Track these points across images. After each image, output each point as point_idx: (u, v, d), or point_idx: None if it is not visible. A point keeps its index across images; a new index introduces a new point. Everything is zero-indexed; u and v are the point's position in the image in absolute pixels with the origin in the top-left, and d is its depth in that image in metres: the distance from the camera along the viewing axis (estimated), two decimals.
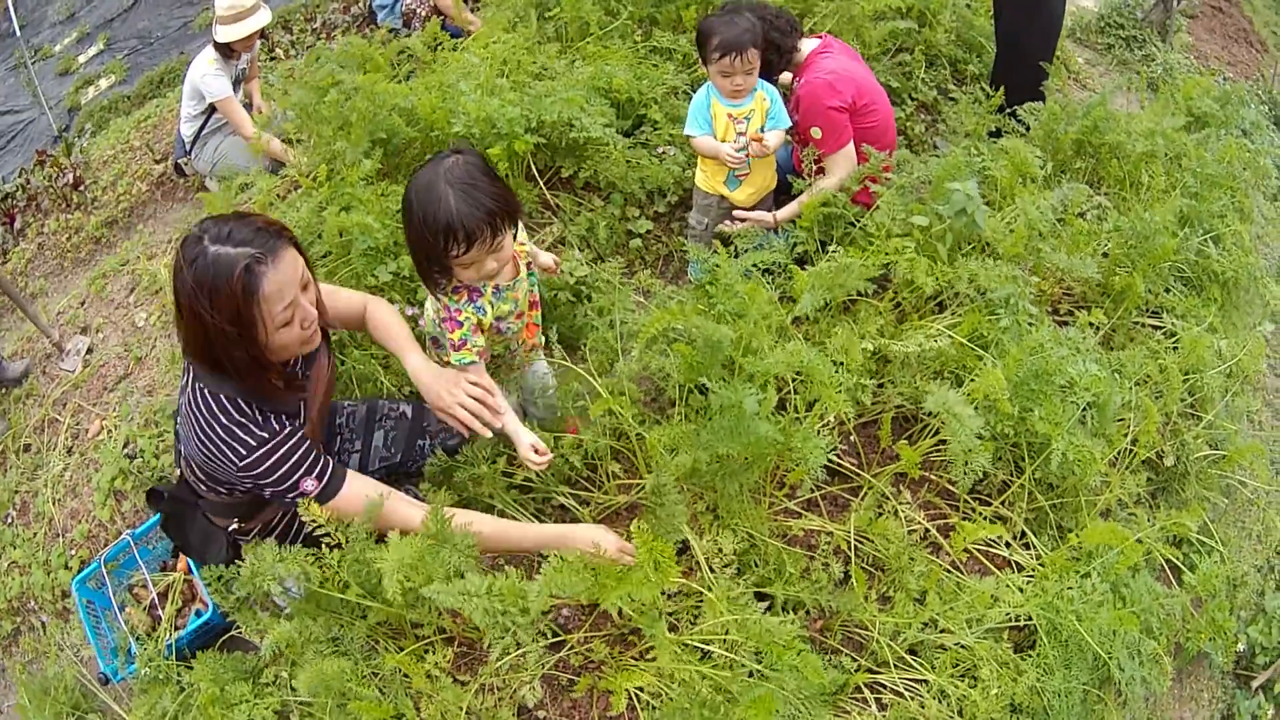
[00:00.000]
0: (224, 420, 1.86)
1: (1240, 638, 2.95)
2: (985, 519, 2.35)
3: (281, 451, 1.89)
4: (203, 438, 1.88)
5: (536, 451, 2.18)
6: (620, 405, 2.18)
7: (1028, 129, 3.63)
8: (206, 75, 4.38)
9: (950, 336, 2.42)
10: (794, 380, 2.32)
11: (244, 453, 1.86)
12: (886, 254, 2.54)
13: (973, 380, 2.31)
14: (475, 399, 2.15)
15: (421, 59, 4.26)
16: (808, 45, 3.20)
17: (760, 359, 2.16)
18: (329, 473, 1.94)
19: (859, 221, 2.92)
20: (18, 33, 8.88)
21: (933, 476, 2.50)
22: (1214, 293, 3.29)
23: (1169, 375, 2.74)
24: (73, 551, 3.39)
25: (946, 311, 2.67)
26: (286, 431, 1.90)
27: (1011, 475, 2.53)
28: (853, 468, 2.46)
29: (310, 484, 1.90)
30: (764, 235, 2.77)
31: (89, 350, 4.09)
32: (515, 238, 2.23)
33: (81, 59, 8.30)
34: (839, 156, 3.11)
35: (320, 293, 1.99)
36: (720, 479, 2.20)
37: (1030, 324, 2.56)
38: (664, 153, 3.79)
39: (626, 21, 4.31)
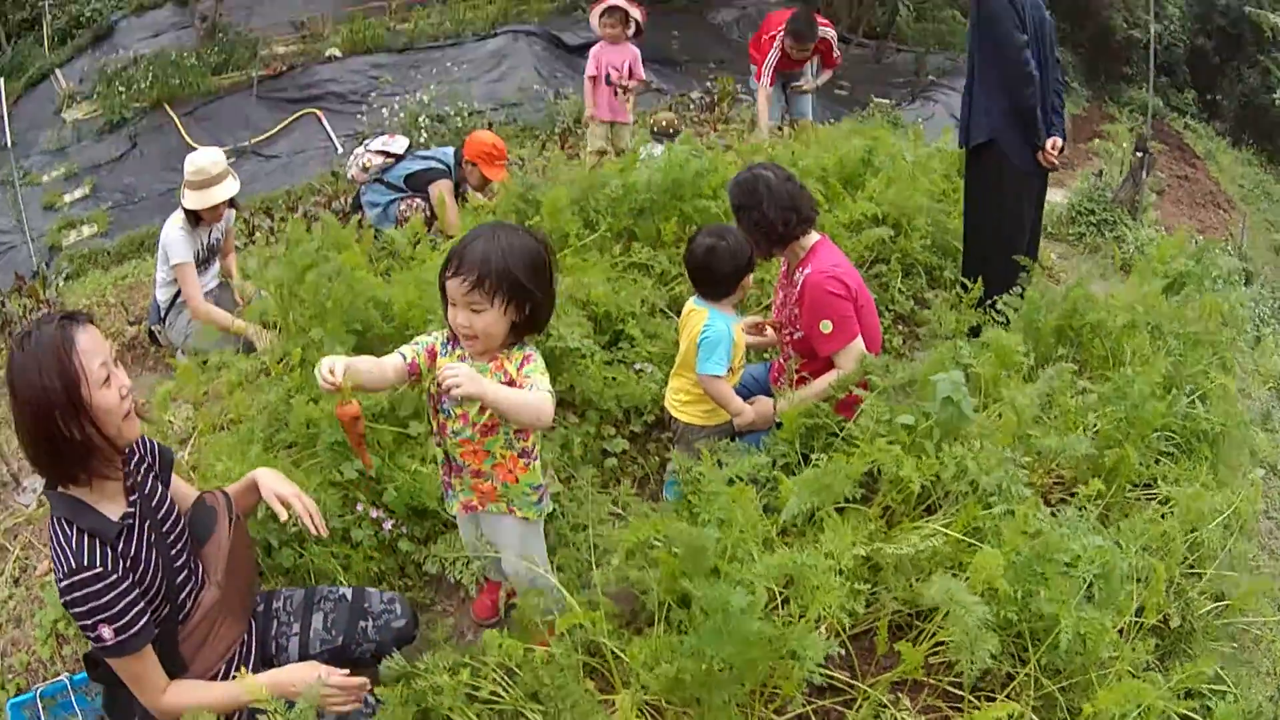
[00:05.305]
0: (59, 540, 1.89)
1: None
2: None
3: (95, 588, 1.87)
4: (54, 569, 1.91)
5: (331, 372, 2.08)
6: (594, 619, 2.04)
7: (1008, 322, 3.59)
8: (172, 236, 4.31)
9: (945, 534, 2.32)
10: (781, 590, 2.20)
11: (61, 574, 1.87)
12: (873, 456, 2.46)
13: (970, 570, 2.20)
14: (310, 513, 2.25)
15: (402, 255, 4.19)
16: (810, 238, 3.09)
17: (749, 566, 2.04)
18: (133, 631, 1.91)
19: (841, 431, 2.79)
20: (10, 145, 8.97)
21: (932, 680, 2.35)
22: (1204, 451, 3.26)
23: (1170, 538, 2.66)
24: (10, 676, 3.15)
25: (938, 514, 2.57)
26: (101, 572, 1.88)
27: (1015, 667, 2.40)
28: (845, 680, 2.30)
29: (108, 633, 1.88)
30: (745, 445, 2.68)
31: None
32: (510, 352, 2.24)
33: (67, 198, 8.42)
34: (850, 351, 2.93)
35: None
36: (706, 690, 2.04)
37: (1025, 501, 2.47)
38: (641, 370, 3.69)
39: (605, 234, 4.29)
